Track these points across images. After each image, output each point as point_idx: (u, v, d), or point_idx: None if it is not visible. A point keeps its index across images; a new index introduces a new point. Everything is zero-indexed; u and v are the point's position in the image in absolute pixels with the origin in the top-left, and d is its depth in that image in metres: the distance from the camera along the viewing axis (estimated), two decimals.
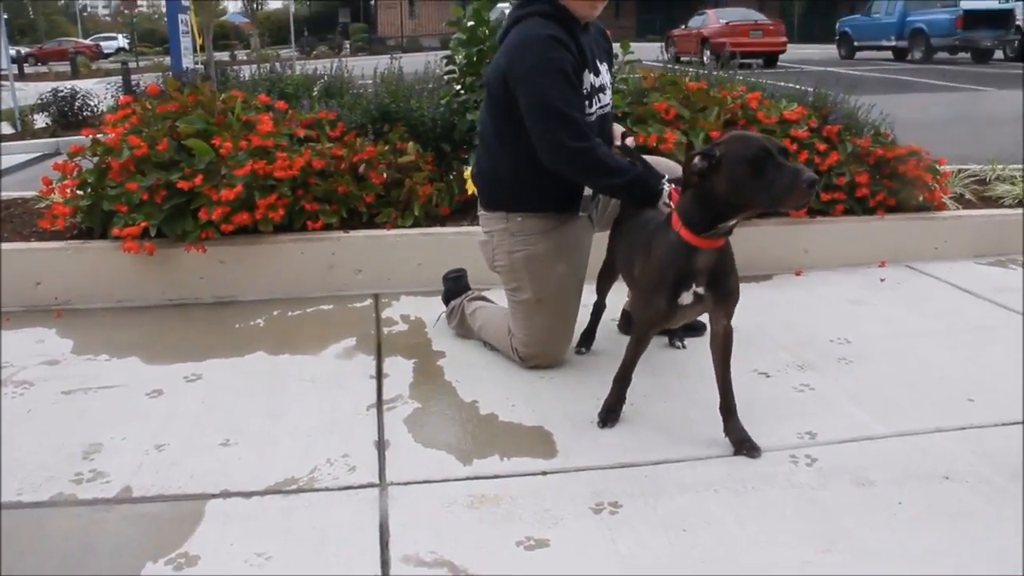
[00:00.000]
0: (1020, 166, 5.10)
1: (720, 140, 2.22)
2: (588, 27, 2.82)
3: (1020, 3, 20.74)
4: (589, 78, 2.74)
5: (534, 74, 2.61)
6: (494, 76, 2.75)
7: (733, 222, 2.25)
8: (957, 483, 2.22)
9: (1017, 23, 20.97)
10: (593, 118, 2.77)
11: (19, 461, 2.37)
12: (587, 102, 2.73)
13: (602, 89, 2.82)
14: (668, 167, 2.94)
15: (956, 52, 21.50)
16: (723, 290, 2.36)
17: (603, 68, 2.86)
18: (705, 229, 2.25)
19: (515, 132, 2.71)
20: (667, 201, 2.56)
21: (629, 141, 2.89)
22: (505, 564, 1.92)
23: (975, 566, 1.89)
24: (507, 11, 4.46)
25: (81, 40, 44.83)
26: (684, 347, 3.11)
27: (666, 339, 3.12)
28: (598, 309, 3.13)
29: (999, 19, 20.96)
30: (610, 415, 2.56)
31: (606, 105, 2.86)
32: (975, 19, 20.52)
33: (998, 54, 21.57)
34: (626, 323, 3.26)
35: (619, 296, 3.18)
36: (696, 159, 2.17)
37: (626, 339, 3.16)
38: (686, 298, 2.34)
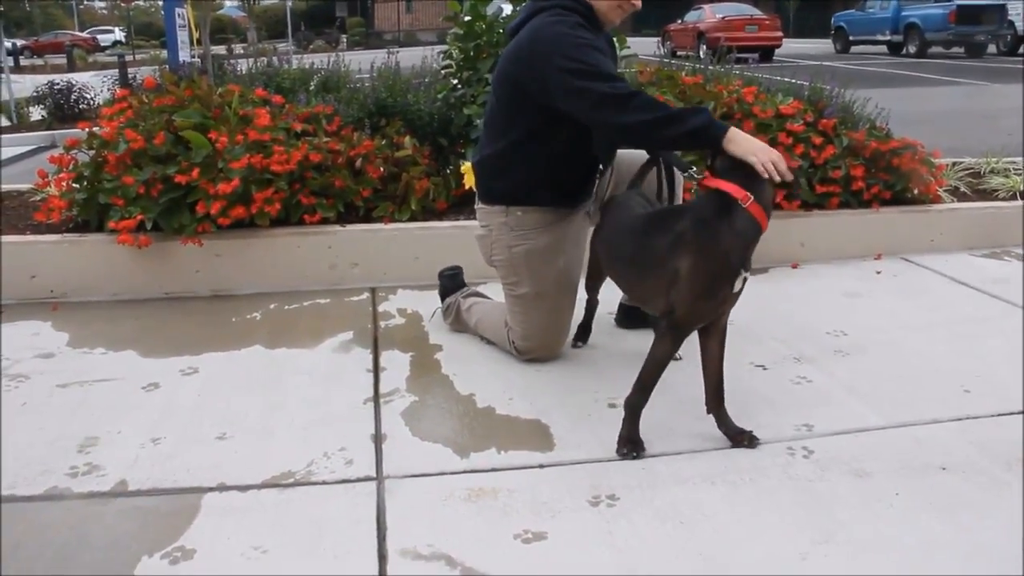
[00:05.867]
0: (1014, 159, 5.11)
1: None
2: (601, 32, 2.79)
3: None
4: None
5: (563, 47, 2.52)
6: (514, 65, 2.68)
7: None
8: (953, 474, 2.22)
9: (1009, 18, 21.00)
10: None
11: (14, 454, 2.37)
12: None
13: None
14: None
15: (950, 47, 21.54)
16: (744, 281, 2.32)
17: None
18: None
19: (533, 125, 2.67)
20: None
21: None
22: (503, 557, 1.92)
23: (972, 556, 1.90)
24: (503, 6, 4.47)
25: (77, 33, 44.67)
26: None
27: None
28: (592, 304, 3.13)
29: (991, 14, 21.00)
30: (636, 444, 2.36)
31: None
32: (968, 14, 20.55)
33: (991, 48, 21.60)
34: (623, 316, 3.26)
35: (614, 289, 3.17)
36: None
37: (623, 333, 3.18)
38: (739, 284, 2.27)
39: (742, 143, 2.28)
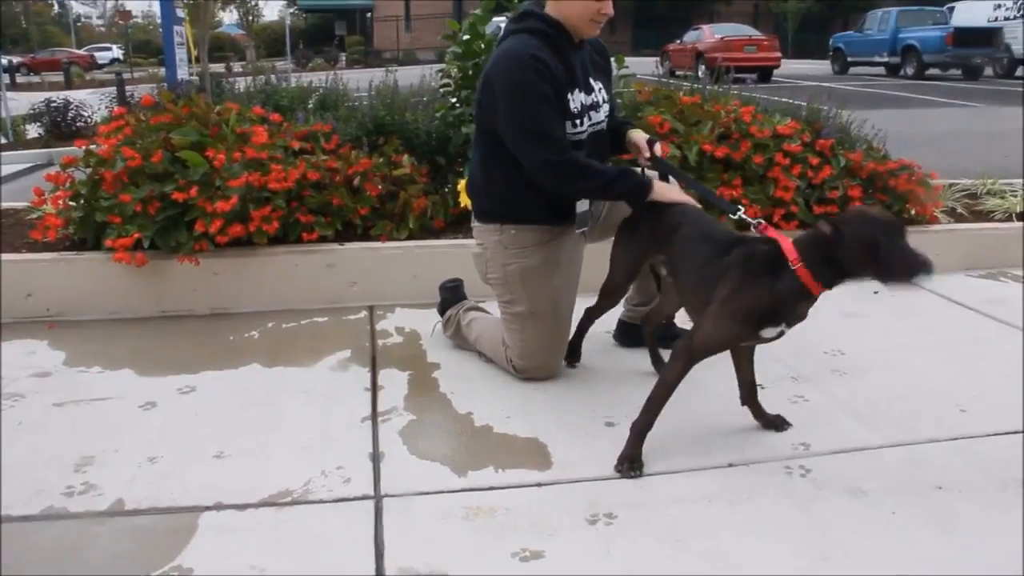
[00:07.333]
0: (1010, 181, 5.14)
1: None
2: (582, 44, 2.80)
3: (1011, 22, 20.90)
4: (578, 97, 2.72)
5: (512, 95, 2.63)
6: (483, 88, 2.75)
7: None
8: (950, 493, 2.23)
9: (1006, 41, 21.17)
10: (584, 136, 2.75)
11: (10, 474, 2.36)
12: (576, 120, 2.71)
13: (594, 107, 2.80)
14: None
15: (947, 68, 21.69)
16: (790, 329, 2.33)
17: (597, 86, 2.84)
18: (828, 285, 2.20)
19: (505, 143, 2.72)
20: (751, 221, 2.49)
21: (657, 149, 2.82)
22: (500, 575, 1.92)
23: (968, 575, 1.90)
24: (503, 25, 4.50)
25: (75, 50, 44.77)
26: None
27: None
28: (584, 324, 3.06)
29: (988, 37, 21.19)
30: (635, 463, 2.37)
31: (599, 123, 2.84)
32: (965, 37, 20.72)
33: (989, 71, 21.76)
34: (622, 334, 3.25)
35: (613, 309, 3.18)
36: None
37: (620, 351, 3.18)
38: (770, 332, 2.28)
39: (664, 194, 2.67)
